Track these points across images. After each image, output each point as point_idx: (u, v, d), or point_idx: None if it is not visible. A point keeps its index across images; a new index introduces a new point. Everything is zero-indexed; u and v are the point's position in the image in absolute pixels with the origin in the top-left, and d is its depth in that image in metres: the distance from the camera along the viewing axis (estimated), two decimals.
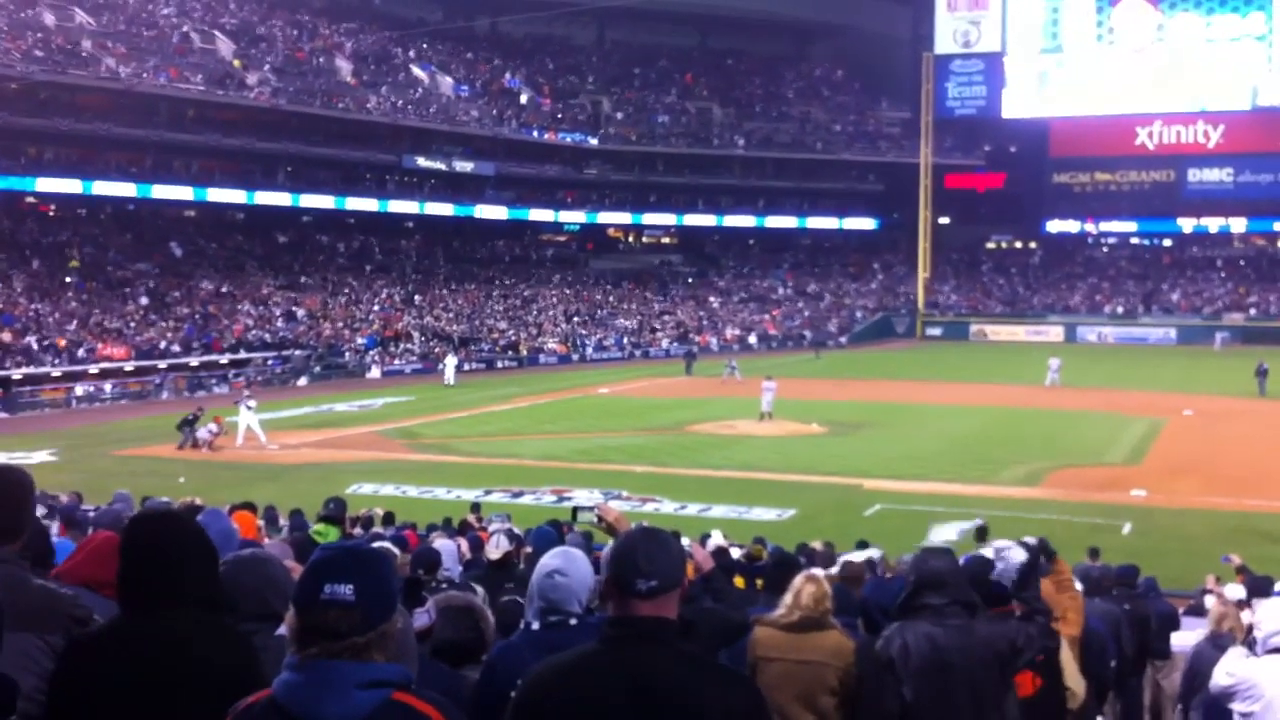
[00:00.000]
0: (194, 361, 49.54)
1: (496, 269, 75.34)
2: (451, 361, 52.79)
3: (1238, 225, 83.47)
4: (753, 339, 72.11)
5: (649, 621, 3.29)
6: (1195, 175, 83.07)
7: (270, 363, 52.72)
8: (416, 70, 75.07)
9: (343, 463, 30.60)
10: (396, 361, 57.10)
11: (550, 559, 4.40)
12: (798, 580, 5.75)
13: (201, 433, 32.65)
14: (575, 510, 7.23)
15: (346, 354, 56.47)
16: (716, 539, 13.65)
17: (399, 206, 70.33)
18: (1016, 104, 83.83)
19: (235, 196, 62.75)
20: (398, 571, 5.78)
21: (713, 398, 44.99)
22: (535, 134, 76.36)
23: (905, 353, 69.98)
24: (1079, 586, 7.56)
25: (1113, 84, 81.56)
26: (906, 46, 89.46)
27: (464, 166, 71.89)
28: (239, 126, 60.83)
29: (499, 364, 59.91)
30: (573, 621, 4.25)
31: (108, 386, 45.88)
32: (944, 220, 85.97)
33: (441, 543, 9.94)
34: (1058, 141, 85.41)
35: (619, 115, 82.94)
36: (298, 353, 54.07)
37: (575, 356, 63.65)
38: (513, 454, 32.04)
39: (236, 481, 26.07)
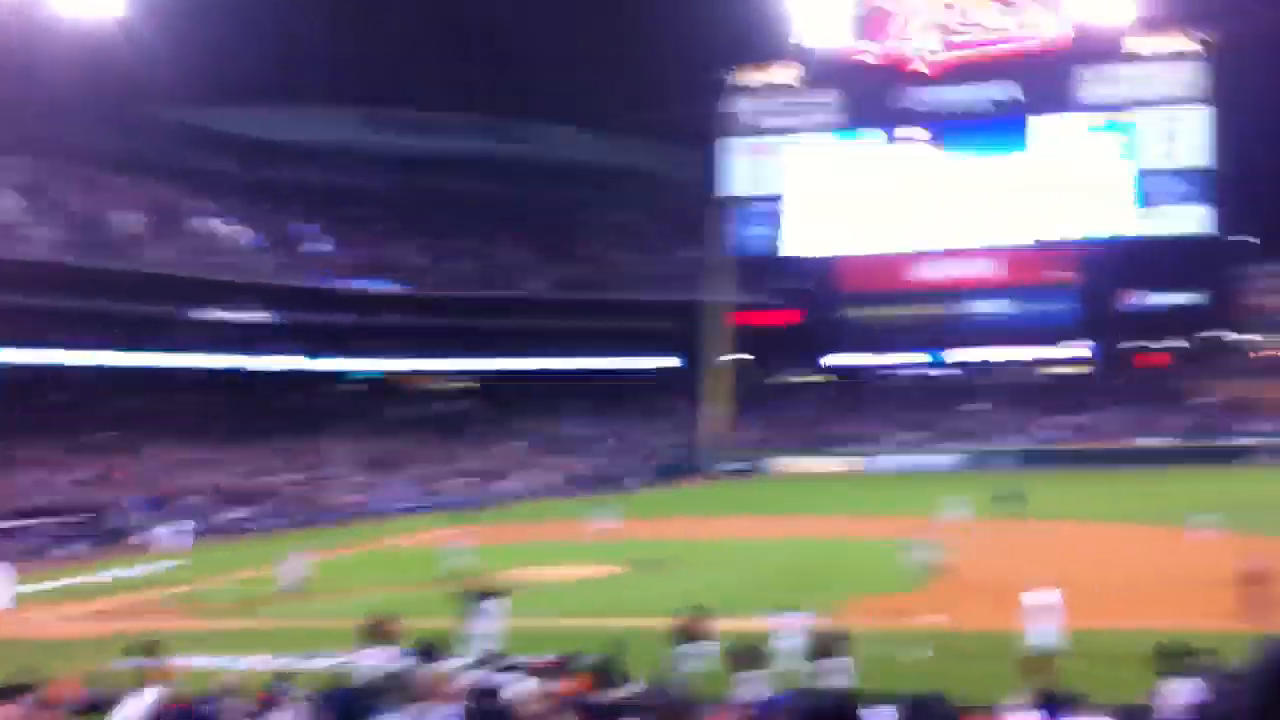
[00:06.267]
0: None
1: (286, 419, 72.91)
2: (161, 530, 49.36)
3: (1016, 354, 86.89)
4: (551, 481, 71.24)
5: None
6: (975, 308, 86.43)
7: (43, 528, 49.42)
8: (208, 222, 73.24)
9: (116, 635, 28.40)
10: (179, 523, 54.20)
11: None
12: None
13: None
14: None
15: (125, 516, 53.41)
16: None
17: (183, 360, 67.68)
18: (805, 243, 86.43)
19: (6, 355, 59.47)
20: None
21: (512, 544, 43.89)
22: (329, 282, 74.94)
23: (704, 489, 70.22)
24: None
25: (896, 221, 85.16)
26: (701, 190, 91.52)
27: (254, 317, 69.99)
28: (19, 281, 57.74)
29: (287, 519, 57.45)
30: None
31: None
32: (739, 357, 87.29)
33: None
34: (845, 278, 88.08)
35: (417, 261, 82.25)
36: (71, 518, 50.92)
37: (370, 507, 61.62)
38: (304, 613, 30.46)
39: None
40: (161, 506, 54.89)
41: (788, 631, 21.82)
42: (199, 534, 52.02)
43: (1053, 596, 22.17)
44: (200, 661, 24.18)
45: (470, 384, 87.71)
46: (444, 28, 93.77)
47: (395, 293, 78.40)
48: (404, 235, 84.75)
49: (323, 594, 34.60)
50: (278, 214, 79.66)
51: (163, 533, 50.46)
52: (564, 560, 38.36)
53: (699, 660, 21.08)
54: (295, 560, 35.01)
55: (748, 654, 20.26)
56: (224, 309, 69.29)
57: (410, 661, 18.42)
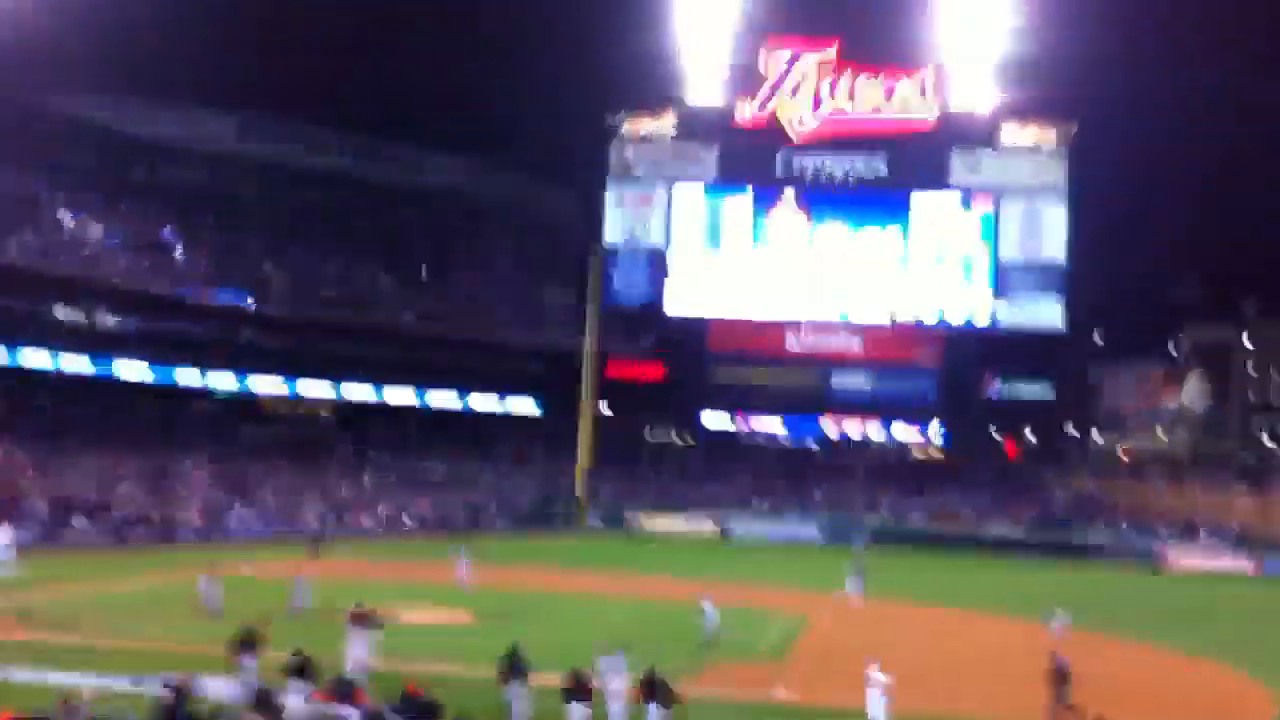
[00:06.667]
0: None
1: (136, 434, 70.31)
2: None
3: (875, 430, 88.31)
4: (406, 519, 70.02)
5: None
6: (838, 380, 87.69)
7: None
8: (65, 216, 70.62)
9: None
10: (18, 530, 51.71)
11: None
12: None
13: None
14: None
15: None
16: None
17: (32, 359, 64.87)
18: (678, 299, 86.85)
19: None
20: None
21: (368, 580, 42.83)
22: (188, 292, 72.65)
23: (563, 542, 69.70)
24: None
25: (766, 288, 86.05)
26: (576, 234, 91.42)
27: (107, 321, 67.59)
28: None
29: (130, 536, 55.39)
30: None
31: None
32: (605, 409, 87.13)
33: None
34: (715, 338, 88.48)
35: (278, 277, 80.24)
36: None
37: (217, 531, 59.74)
38: (138, 634, 29.29)
39: None
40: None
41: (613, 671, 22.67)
42: (32, 544, 49.74)
43: (885, 677, 22.84)
44: (23, 676, 23.17)
45: (328, 411, 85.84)
46: (331, 43, 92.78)
47: (254, 309, 76.23)
48: (270, 250, 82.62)
49: (163, 616, 33.44)
50: (139, 214, 77.14)
51: None
52: (416, 601, 37.50)
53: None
54: (210, 583, 34.68)
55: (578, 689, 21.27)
56: (76, 309, 66.69)
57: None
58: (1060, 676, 25.76)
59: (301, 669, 21.63)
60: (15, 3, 57.21)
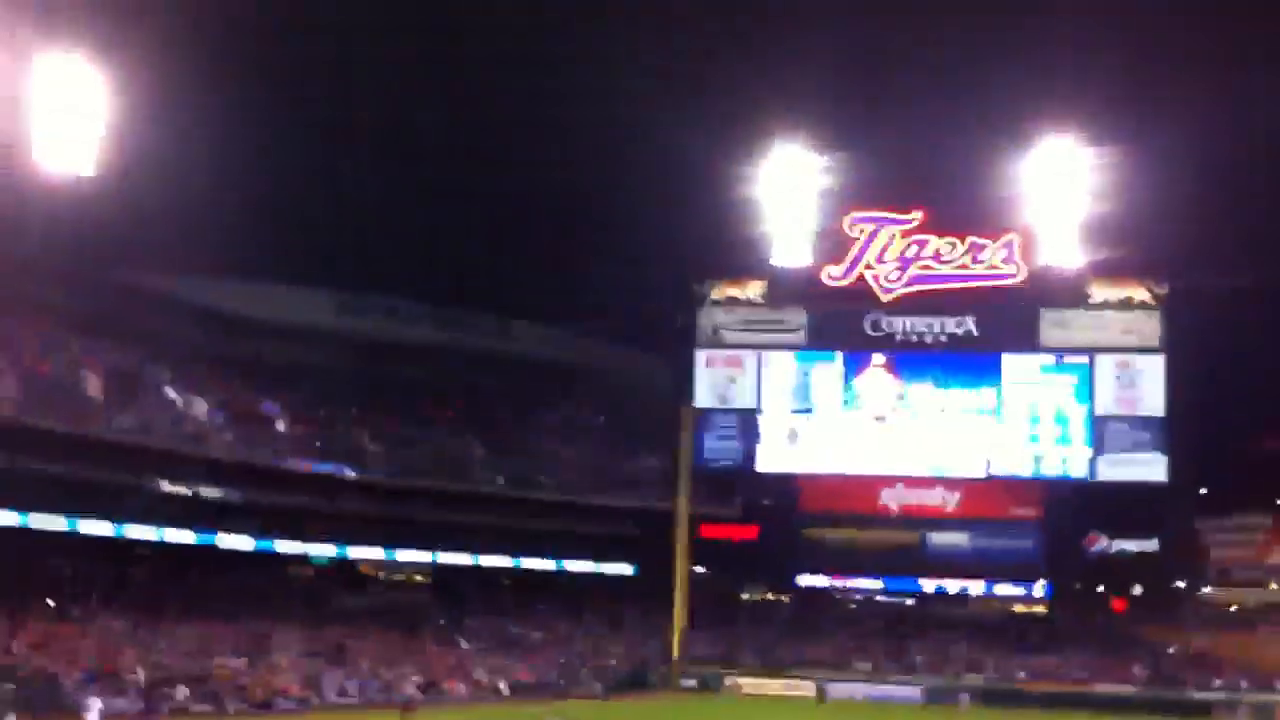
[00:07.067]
0: None
1: (233, 603, 70.84)
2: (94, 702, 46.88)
3: (975, 587, 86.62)
4: (502, 686, 69.37)
5: None
6: (935, 538, 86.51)
7: None
8: (168, 392, 72.65)
9: None
10: (117, 700, 52.08)
11: None
12: None
13: None
14: None
15: (62, 689, 51.24)
16: None
17: (136, 532, 66.02)
18: (769, 459, 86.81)
19: None
20: None
21: None
22: (284, 461, 73.99)
23: (660, 704, 68.63)
24: None
25: (858, 446, 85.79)
26: (664, 397, 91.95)
27: (210, 493, 68.83)
28: None
29: (230, 708, 55.38)
30: None
31: None
32: (699, 570, 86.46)
33: None
34: (808, 497, 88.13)
35: (375, 448, 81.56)
36: (9, 684, 48.84)
37: (315, 700, 59.57)
38: None
39: None
40: (96, 679, 52.81)
41: None
42: (133, 715, 50.00)
43: None
44: None
45: (424, 578, 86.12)
46: (415, 217, 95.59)
47: (352, 478, 77.35)
48: (361, 420, 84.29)
49: None
50: (237, 388, 79.18)
51: (95, 705, 48.32)
52: None
53: None
54: None
55: None
56: (178, 482, 67.97)
57: None
58: None
59: None
60: (108, 184, 59.19)
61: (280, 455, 74.41)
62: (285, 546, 74.17)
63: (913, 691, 75.04)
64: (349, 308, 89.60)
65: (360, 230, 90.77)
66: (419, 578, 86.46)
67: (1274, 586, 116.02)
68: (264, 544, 72.24)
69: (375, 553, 79.45)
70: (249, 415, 76.96)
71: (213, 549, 69.97)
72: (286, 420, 78.65)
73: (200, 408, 73.29)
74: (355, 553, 78.20)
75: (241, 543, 70.96)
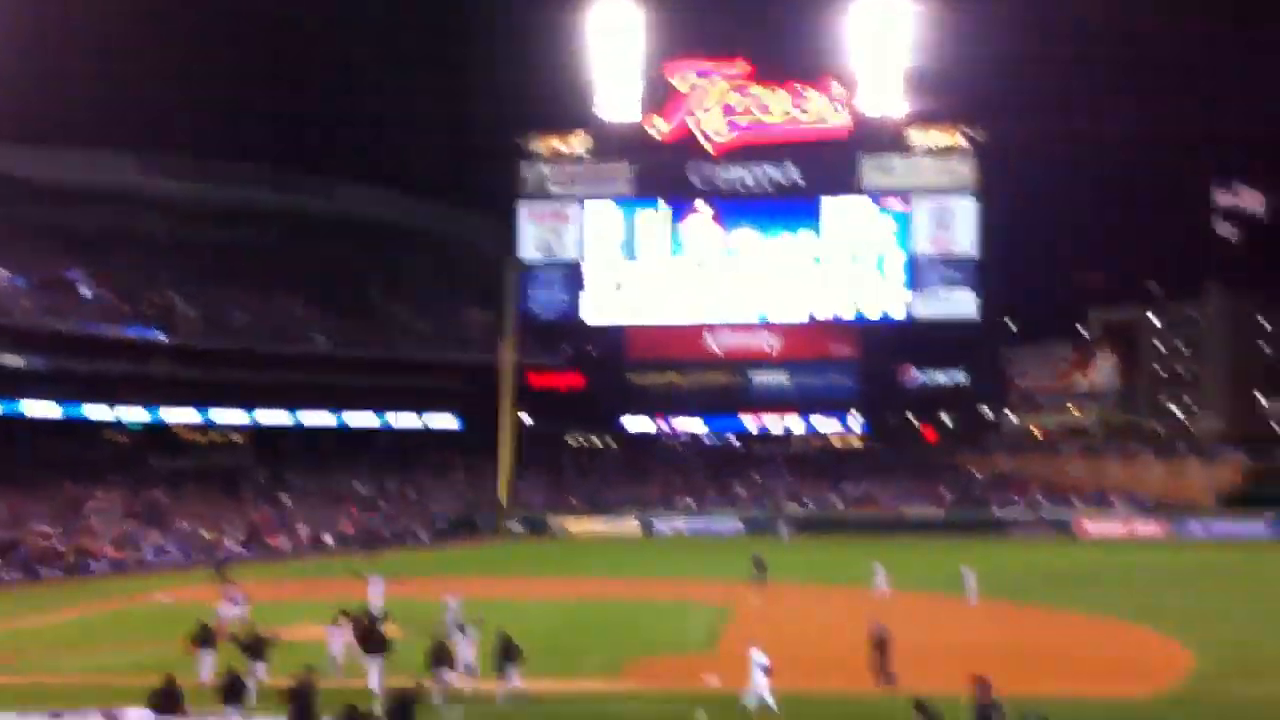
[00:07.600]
0: None
1: (48, 468, 68.98)
2: None
3: (796, 424, 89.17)
4: (328, 539, 69.35)
5: None
6: (759, 379, 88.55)
7: None
8: None
9: None
10: None
11: None
12: None
13: None
14: None
15: None
16: None
17: None
18: (595, 309, 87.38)
19: None
20: None
21: (287, 601, 42.38)
22: (96, 328, 71.48)
23: (488, 549, 69.48)
24: None
25: (683, 294, 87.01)
26: (492, 253, 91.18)
27: (12, 361, 66.31)
28: None
29: (42, 572, 54.27)
30: None
31: None
32: (529, 422, 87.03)
33: None
34: (634, 345, 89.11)
35: (191, 312, 79.22)
36: None
37: (132, 561, 58.70)
38: (54, 669, 28.78)
39: None
40: None
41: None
42: None
43: (765, 659, 23.77)
44: None
45: (244, 438, 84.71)
46: (233, 74, 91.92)
47: (164, 342, 75.17)
48: (178, 284, 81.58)
49: (80, 649, 32.90)
50: (43, 256, 75.83)
51: None
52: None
53: None
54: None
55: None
56: None
57: None
58: (878, 643, 26.32)
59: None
60: None
61: (88, 321, 71.89)
62: (96, 412, 72.09)
63: (735, 524, 77.28)
64: (153, 168, 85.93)
65: (170, 91, 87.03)
66: (238, 439, 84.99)
67: (1075, 412, 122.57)
68: (73, 410, 70.14)
69: (190, 414, 77.54)
70: (54, 282, 73.96)
71: (20, 417, 67.79)
72: (92, 286, 75.81)
73: (2, 276, 70.14)
74: (169, 415, 76.22)
75: (49, 410, 68.81)
